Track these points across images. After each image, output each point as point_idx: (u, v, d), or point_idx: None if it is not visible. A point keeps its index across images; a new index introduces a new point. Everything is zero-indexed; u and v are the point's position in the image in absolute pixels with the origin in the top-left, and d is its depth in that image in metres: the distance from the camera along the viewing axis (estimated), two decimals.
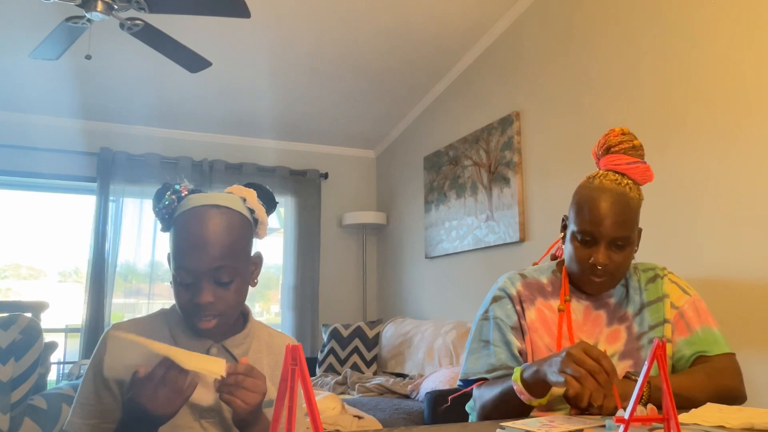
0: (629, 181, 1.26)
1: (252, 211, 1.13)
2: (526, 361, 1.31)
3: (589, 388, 0.98)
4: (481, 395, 1.29)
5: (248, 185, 1.16)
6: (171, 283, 1.11)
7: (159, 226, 1.13)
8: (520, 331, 1.32)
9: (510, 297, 1.35)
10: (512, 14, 3.53)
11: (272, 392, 1.13)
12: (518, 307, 1.34)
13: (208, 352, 1.11)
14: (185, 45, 2.98)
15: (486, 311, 1.36)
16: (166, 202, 1.09)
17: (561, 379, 1.01)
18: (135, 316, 4.49)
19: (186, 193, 1.11)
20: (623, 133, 1.29)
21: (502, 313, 1.33)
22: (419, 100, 4.50)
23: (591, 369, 0.98)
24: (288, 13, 3.39)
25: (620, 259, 1.24)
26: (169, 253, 1.11)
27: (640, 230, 1.30)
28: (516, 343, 1.30)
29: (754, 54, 2.20)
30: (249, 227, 1.12)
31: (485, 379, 1.29)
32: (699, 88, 2.40)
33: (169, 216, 1.10)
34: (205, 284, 1.04)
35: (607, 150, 1.30)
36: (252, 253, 1.15)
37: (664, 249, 2.45)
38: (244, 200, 1.12)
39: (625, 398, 1.07)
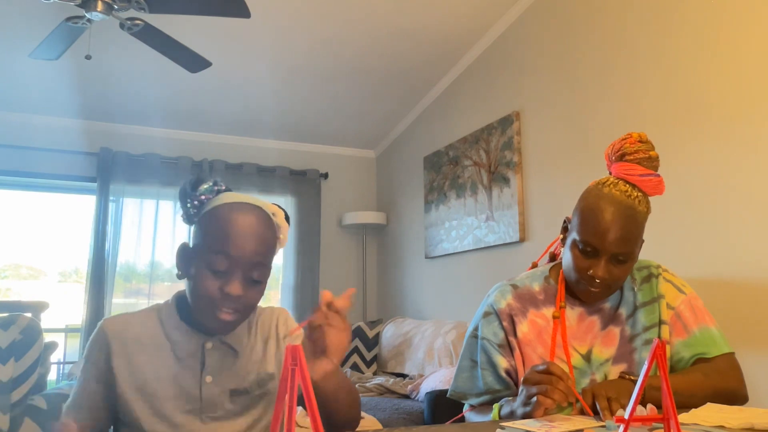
0: (639, 194, 1.21)
1: (278, 227, 1.16)
2: (515, 378, 1.32)
3: (556, 398, 1.05)
4: (470, 419, 1.37)
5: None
6: (186, 276, 1.09)
7: (181, 213, 1.12)
8: (508, 348, 1.32)
9: (498, 313, 1.34)
10: (512, 14, 3.53)
11: (268, 368, 1.16)
12: (506, 324, 1.33)
13: (203, 347, 1.11)
14: (185, 45, 2.98)
15: (475, 328, 1.38)
16: (205, 192, 1.10)
17: (528, 408, 1.08)
18: None
19: (224, 188, 1.13)
20: (641, 141, 1.23)
21: (489, 332, 1.34)
22: (419, 100, 4.51)
23: (548, 381, 1.06)
24: (288, 13, 3.40)
25: (620, 273, 1.22)
26: (195, 242, 1.10)
27: (642, 241, 1.26)
28: (502, 364, 1.32)
29: (755, 52, 2.20)
30: (277, 241, 1.15)
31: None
32: (699, 87, 2.40)
33: (199, 204, 1.10)
34: (238, 275, 1.05)
35: (621, 156, 1.24)
36: None
37: (664, 248, 2.45)
38: (273, 215, 1.14)
39: (623, 396, 1.07)
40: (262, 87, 4.18)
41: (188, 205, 1.10)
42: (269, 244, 1.09)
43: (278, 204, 1.19)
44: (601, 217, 1.19)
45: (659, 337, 1.28)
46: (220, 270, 1.04)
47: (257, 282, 1.07)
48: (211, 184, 1.11)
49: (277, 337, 1.19)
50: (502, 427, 0.97)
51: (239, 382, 1.12)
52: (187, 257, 1.10)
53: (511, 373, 1.32)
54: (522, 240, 3.34)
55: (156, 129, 4.62)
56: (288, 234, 1.20)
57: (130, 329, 1.12)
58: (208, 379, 1.10)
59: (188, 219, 1.11)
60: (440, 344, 3.59)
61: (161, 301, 1.19)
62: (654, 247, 2.38)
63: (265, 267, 1.08)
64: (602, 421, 1.02)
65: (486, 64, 3.81)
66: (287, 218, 1.19)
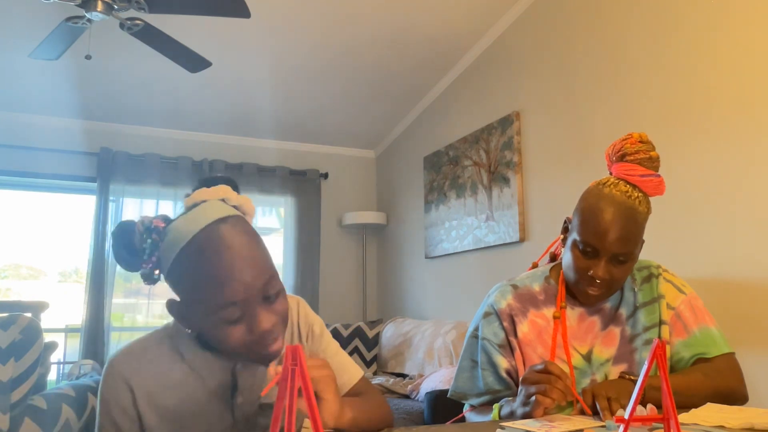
0: (639, 194, 1.20)
1: (241, 208, 0.99)
2: (516, 378, 1.32)
3: (555, 397, 1.05)
4: (470, 419, 1.37)
5: (203, 182, 1.00)
6: (199, 332, 0.94)
7: (140, 275, 0.92)
8: (509, 348, 1.33)
9: (498, 313, 1.34)
10: (512, 14, 3.53)
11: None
12: (506, 324, 1.33)
13: (234, 371, 1.00)
14: (185, 45, 2.98)
15: (476, 329, 1.38)
16: (149, 249, 0.89)
17: (528, 408, 1.08)
18: (135, 316, 4.37)
19: (163, 224, 0.92)
20: (641, 141, 1.23)
21: (490, 332, 1.34)
22: (419, 100, 4.51)
23: (547, 380, 1.06)
24: (288, 13, 3.40)
25: (620, 274, 1.22)
26: (184, 297, 0.92)
27: (642, 241, 1.26)
28: (502, 364, 1.32)
29: (755, 52, 2.20)
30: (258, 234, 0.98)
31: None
32: (699, 87, 2.40)
33: (157, 260, 0.91)
34: (259, 309, 0.89)
35: (622, 157, 1.24)
36: None
37: (664, 248, 2.45)
38: (224, 201, 0.97)
39: (623, 396, 1.07)
40: (262, 87, 4.18)
41: (145, 269, 0.91)
42: (262, 250, 0.91)
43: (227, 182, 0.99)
44: (602, 217, 1.19)
45: (659, 337, 1.28)
46: (235, 318, 0.88)
47: (276, 297, 0.92)
48: (146, 234, 0.90)
49: (300, 336, 1.10)
50: (502, 427, 0.97)
51: (268, 394, 1.03)
52: (186, 316, 0.94)
53: (512, 374, 1.32)
54: (522, 240, 3.34)
55: (156, 129, 4.62)
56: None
57: (148, 368, 0.97)
58: (240, 399, 1.01)
59: (153, 280, 0.92)
60: (440, 344, 3.59)
61: (160, 327, 1.04)
62: (654, 248, 2.38)
63: (275, 275, 0.92)
64: (602, 421, 1.02)
65: (486, 64, 3.81)
66: (231, 182, 1.01)
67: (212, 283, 0.86)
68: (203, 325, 0.91)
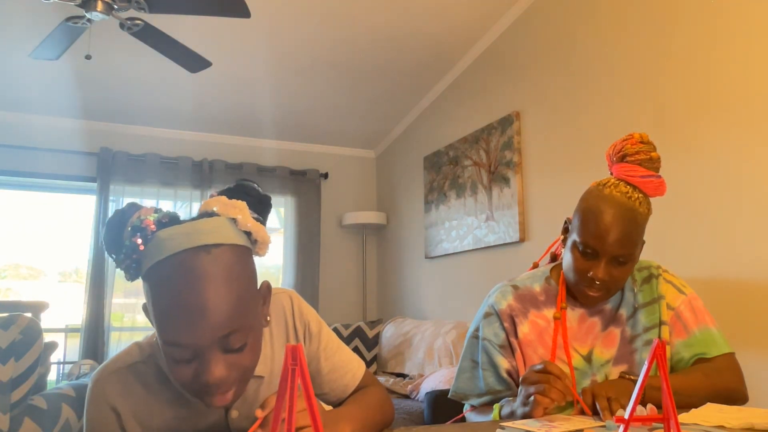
0: (640, 195, 1.20)
1: (248, 234, 0.87)
2: (517, 378, 1.32)
3: (554, 397, 1.05)
4: (470, 419, 1.37)
5: (235, 189, 0.93)
6: (157, 339, 0.86)
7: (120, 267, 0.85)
8: (509, 348, 1.33)
9: (499, 314, 1.34)
10: (512, 14, 3.53)
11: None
12: (507, 324, 1.33)
13: None
14: (185, 45, 2.98)
15: (476, 329, 1.38)
16: (126, 250, 0.81)
17: (527, 408, 1.08)
18: (135, 316, 4.37)
19: (154, 227, 0.82)
20: (642, 142, 1.22)
21: (490, 333, 1.34)
22: (419, 100, 4.51)
23: (546, 380, 1.06)
24: (288, 13, 3.39)
25: (620, 275, 1.22)
26: (147, 310, 0.85)
27: (642, 242, 1.26)
28: (503, 364, 1.32)
29: (755, 53, 2.20)
30: (249, 257, 0.86)
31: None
32: (699, 87, 2.40)
33: (136, 265, 0.83)
34: (211, 357, 0.80)
35: (623, 158, 1.23)
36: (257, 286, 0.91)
37: (665, 249, 2.45)
38: (235, 221, 0.85)
39: (622, 396, 1.07)
40: (262, 87, 4.18)
41: (123, 255, 0.82)
42: (238, 295, 0.81)
43: (247, 186, 0.92)
44: (602, 218, 1.19)
45: (659, 337, 1.28)
46: (184, 359, 0.80)
47: (239, 350, 0.82)
48: (129, 232, 0.81)
49: (296, 337, 1.04)
50: (502, 427, 0.97)
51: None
52: (154, 325, 0.84)
53: (513, 374, 1.32)
54: (522, 240, 3.34)
55: (156, 129, 4.62)
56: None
57: (134, 389, 0.93)
58: (234, 414, 0.96)
59: (129, 276, 0.84)
60: (440, 344, 3.59)
61: (149, 335, 0.98)
62: (655, 248, 2.38)
63: (243, 330, 0.82)
64: (602, 421, 1.02)
65: (486, 64, 3.81)
66: (261, 199, 0.92)
67: (165, 317, 0.78)
68: (161, 348, 0.83)
